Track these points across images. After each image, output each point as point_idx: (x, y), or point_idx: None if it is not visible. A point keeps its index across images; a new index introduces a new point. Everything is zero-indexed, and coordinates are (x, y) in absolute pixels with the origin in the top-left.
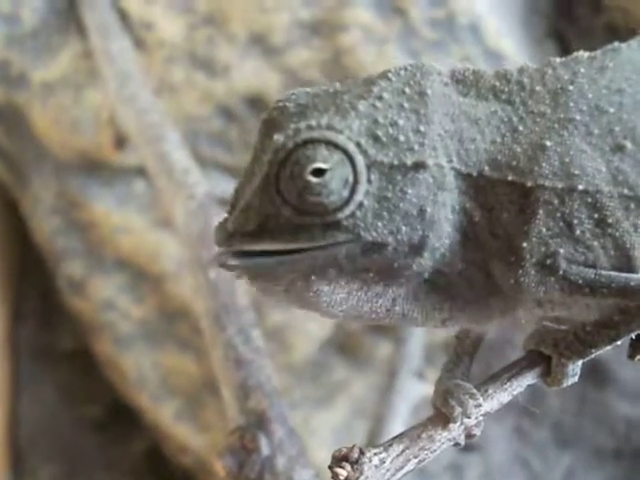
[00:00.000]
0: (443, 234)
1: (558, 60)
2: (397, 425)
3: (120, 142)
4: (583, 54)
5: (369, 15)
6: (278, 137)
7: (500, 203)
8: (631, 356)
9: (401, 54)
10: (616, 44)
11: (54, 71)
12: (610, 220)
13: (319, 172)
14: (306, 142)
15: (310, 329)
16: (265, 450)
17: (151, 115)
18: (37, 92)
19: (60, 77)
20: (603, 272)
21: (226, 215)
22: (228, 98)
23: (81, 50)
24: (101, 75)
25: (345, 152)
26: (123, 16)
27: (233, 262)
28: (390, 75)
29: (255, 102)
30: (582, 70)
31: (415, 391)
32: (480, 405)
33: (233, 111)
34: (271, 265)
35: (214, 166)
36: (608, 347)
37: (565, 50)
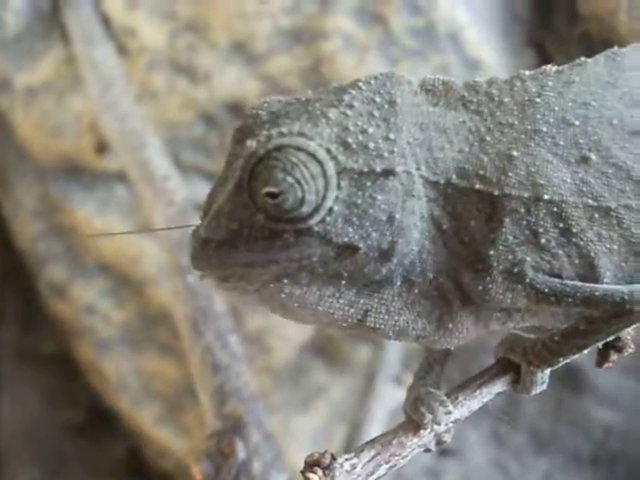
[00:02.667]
0: (412, 240)
1: (527, 73)
2: (375, 429)
3: (102, 147)
4: (551, 67)
5: (350, 23)
6: (250, 143)
7: (468, 211)
8: (599, 364)
9: (381, 62)
10: (582, 59)
11: (37, 76)
12: (575, 229)
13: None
14: (277, 149)
15: (289, 333)
16: (241, 454)
17: (132, 121)
18: (20, 97)
19: (43, 82)
20: (569, 282)
21: (200, 221)
22: (209, 105)
23: (64, 55)
24: (83, 81)
25: (315, 159)
26: (106, 22)
27: (208, 268)
28: (361, 84)
29: (236, 109)
30: (550, 83)
31: (393, 396)
32: (450, 412)
33: (214, 117)
34: (244, 269)
35: (195, 172)
36: (576, 356)
37: (544, 59)
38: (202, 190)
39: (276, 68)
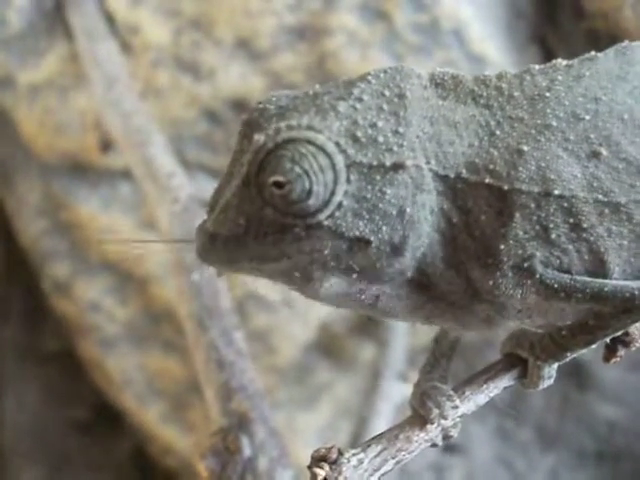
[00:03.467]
0: (423, 234)
1: (537, 67)
2: (380, 426)
3: (106, 145)
4: (561, 62)
5: (354, 20)
6: (258, 137)
7: (477, 205)
8: (606, 359)
9: (385, 58)
10: (593, 53)
11: (40, 73)
12: (585, 225)
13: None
14: (286, 142)
15: (294, 331)
16: (247, 451)
17: (136, 118)
18: (23, 94)
19: (46, 79)
20: (578, 277)
21: (205, 216)
22: (213, 102)
23: (67, 53)
24: (87, 78)
25: (325, 152)
26: (109, 19)
27: (216, 252)
28: (370, 77)
29: (240, 106)
30: (559, 78)
31: (398, 393)
32: (457, 407)
33: (218, 114)
34: (255, 257)
35: (199, 169)
36: (583, 351)
37: (548, 55)
38: (207, 187)
39: (280, 65)
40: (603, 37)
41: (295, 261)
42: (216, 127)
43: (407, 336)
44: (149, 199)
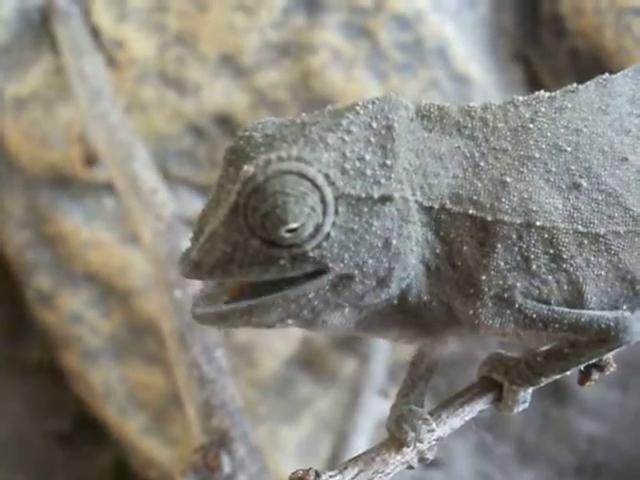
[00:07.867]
0: (408, 266)
1: (520, 99)
2: (361, 441)
3: (90, 159)
4: (544, 94)
5: (338, 37)
6: (248, 168)
7: (460, 236)
8: (581, 382)
9: (369, 77)
10: (575, 85)
11: (26, 86)
12: (565, 255)
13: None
14: (277, 174)
15: (276, 346)
16: (227, 468)
17: (121, 133)
18: (8, 107)
19: (32, 92)
20: (556, 308)
21: (189, 244)
22: (198, 117)
23: (53, 66)
24: (72, 91)
25: (315, 184)
26: (95, 34)
27: (207, 310)
28: (358, 108)
29: (224, 121)
30: (542, 109)
31: (378, 408)
32: (433, 430)
33: (203, 130)
34: (245, 312)
35: (183, 184)
36: (558, 376)
37: (531, 74)
38: (190, 203)
39: (264, 81)
40: (585, 56)
41: (283, 309)
42: (200, 142)
43: (388, 351)
44: (132, 214)
